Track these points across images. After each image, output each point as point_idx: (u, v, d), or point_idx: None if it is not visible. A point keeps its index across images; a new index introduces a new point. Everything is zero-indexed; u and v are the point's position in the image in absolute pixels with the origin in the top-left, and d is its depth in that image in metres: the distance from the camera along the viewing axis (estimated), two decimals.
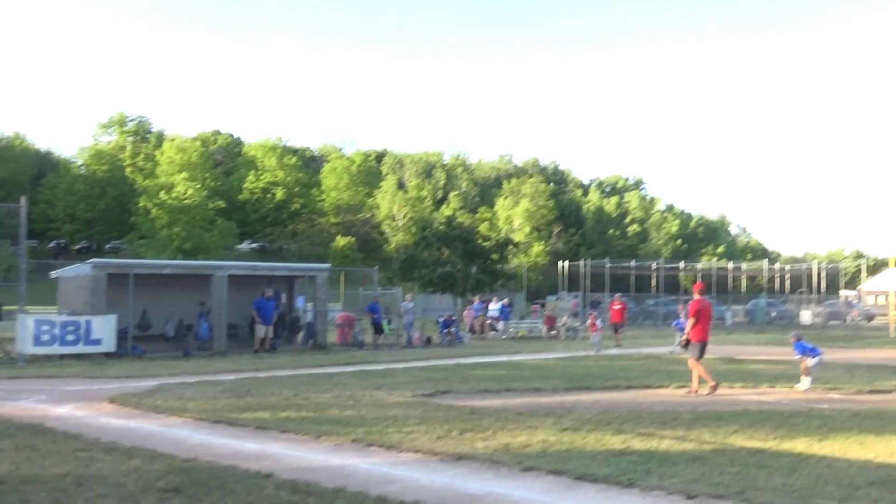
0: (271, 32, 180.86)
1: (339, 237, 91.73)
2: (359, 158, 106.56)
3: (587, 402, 14.54)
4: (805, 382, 16.79)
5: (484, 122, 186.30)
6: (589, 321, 31.07)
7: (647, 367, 20.20)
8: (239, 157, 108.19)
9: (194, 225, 78.26)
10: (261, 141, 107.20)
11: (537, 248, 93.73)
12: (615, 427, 11.65)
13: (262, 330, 26.54)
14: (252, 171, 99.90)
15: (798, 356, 17.37)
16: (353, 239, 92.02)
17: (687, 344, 16.86)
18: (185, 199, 79.08)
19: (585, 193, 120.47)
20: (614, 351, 28.65)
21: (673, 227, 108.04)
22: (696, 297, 17.23)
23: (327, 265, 36.79)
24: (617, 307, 32.83)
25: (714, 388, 16.09)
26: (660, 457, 9.63)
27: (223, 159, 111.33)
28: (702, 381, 16.30)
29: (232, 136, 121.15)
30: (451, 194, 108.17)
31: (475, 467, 9.18)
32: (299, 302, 32.70)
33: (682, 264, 65.11)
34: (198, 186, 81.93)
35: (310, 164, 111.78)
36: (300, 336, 30.41)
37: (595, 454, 9.73)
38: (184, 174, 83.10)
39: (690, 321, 16.85)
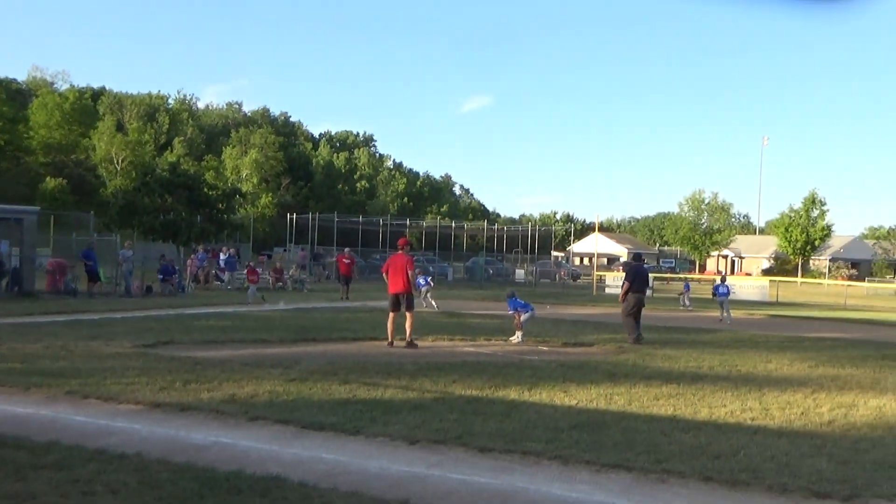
0: None
1: (48, 178, 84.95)
2: (73, 96, 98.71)
3: (314, 354, 14.65)
4: (518, 336, 17.95)
5: (212, 68, 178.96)
6: (247, 271, 32.12)
7: (373, 320, 20.63)
8: None
9: None
10: None
11: (265, 199, 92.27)
12: (341, 377, 11.84)
13: None
14: None
15: (511, 311, 18.51)
16: (65, 181, 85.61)
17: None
18: None
19: (315, 147, 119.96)
20: (343, 304, 29.04)
21: (400, 184, 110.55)
22: (400, 251, 17.34)
23: (35, 208, 34.11)
24: (346, 261, 33.28)
25: (390, 343, 16.34)
26: (384, 405, 9.93)
27: None
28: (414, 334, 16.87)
29: None
30: (176, 140, 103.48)
31: (200, 418, 8.99)
32: (2, 247, 30.04)
33: (408, 221, 66.93)
34: None
35: (16, 97, 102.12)
36: (4, 283, 28.00)
37: (322, 403, 9.86)
38: None
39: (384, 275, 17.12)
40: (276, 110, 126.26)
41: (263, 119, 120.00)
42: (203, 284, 36.18)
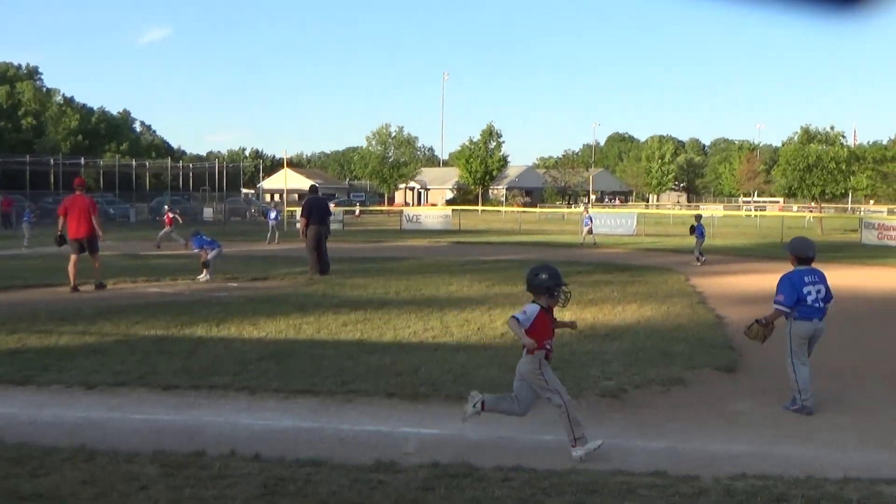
0: None
1: None
2: None
3: None
4: (205, 274, 17.51)
5: None
6: None
7: (46, 266, 19.18)
8: None
9: None
10: None
11: None
12: (9, 327, 10.93)
13: None
14: None
15: (197, 249, 18.00)
16: None
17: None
18: None
19: None
20: (10, 251, 26.65)
21: (73, 121, 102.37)
22: (77, 192, 16.31)
23: None
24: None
25: (74, 289, 15.45)
26: (58, 352, 9.34)
27: None
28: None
29: None
30: None
31: None
32: None
33: (83, 160, 62.37)
34: None
35: None
36: None
37: None
38: None
39: (60, 219, 15.98)
40: None
41: None
42: None
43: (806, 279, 7.52)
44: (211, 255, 17.71)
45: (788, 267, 7.78)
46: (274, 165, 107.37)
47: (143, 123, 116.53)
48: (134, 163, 65.85)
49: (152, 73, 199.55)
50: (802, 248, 7.75)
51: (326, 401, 7.44)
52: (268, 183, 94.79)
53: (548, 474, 5.38)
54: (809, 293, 7.46)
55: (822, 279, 7.62)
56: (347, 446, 6.20)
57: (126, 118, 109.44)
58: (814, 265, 7.67)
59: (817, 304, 7.49)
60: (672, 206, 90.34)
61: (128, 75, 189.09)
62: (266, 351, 9.53)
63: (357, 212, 65.15)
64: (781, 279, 7.64)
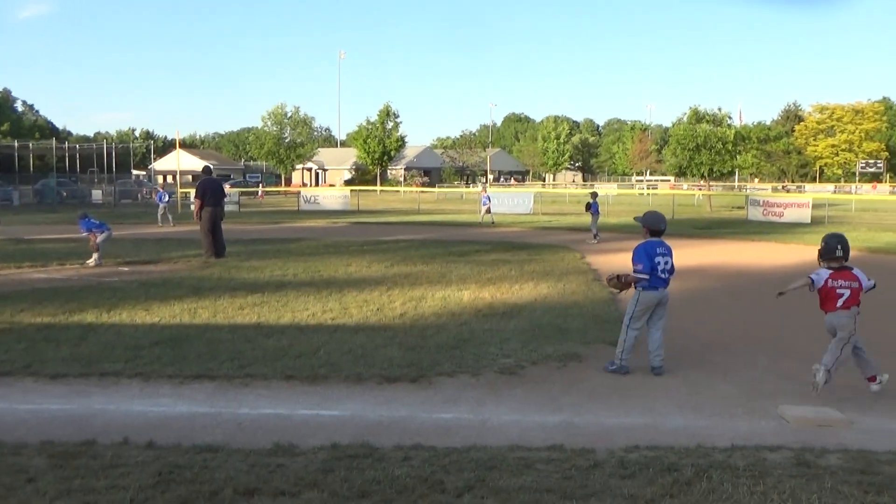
0: None
1: None
2: None
3: None
4: (95, 258, 16.95)
5: None
6: None
7: None
8: None
9: None
10: None
11: None
12: None
13: None
14: None
15: (85, 233, 17.39)
16: None
17: None
18: None
19: None
20: None
21: None
22: None
23: None
24: None
25: None
26: None
27: None
28: None
29: None
30: None
31: None
32: None
33: None
34: None
35: None
36: None
37: None
38: None
39: None
40: None
41: None
42: None
43: (658, 250, 8.05)
44: (100, 238, 17.14)
45: (663, 241, 8.15)
46: (166, 146, 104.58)
47: (24, 103, 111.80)
48: (16, 144, 62.99)
49: (34, 50, 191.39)
50: (655, 222, 8.25)
51: (223, 385, 7.32)
52: (160, 164, 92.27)
53: (447, 452, 5.42)
54: (659, 263, 8.01)
55: (670, 252, 8.18)
56: (245, 431, 6.11)
57: (6, 97, 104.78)
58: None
59: (664, 276, 8.05)
60: (568, 186, 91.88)
61: (6, 52, 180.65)
62: (160, 336, 9.29)
63: (260, 192, 63.92)
64: (637, 249, 8.14)
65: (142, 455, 5.35)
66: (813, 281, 7.11)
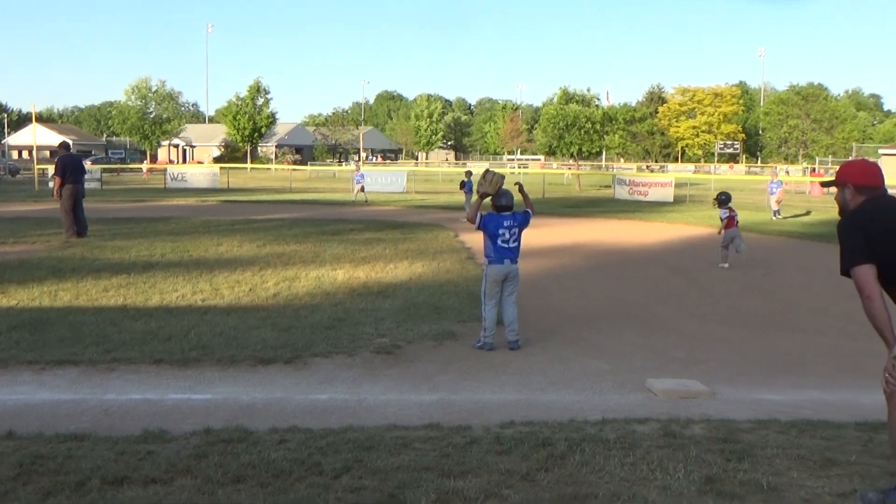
0: None
1: None
2: None
3: None
4: None
5: None
6: None
7: None
8: None
9: None
10: None
11: None
12: None
13: None
14: None
15: None
16: None
17: None
18: None
19: None
20: None
21: None
22: None
23: None
24: None
25: None
26: None
27: None
28: None
29: None
30: None
31: None
32: None
33: None
34: None
35: None
36: None
37: None
38: None
39: None
40: None
41: None
42: None
43: (505, 223, 8.25)
44: None
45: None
46: (21, 120, 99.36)
47: None
48: None
49: None
50: (496, 198, 8.39)
51: (88, 370, 7.03)
52: (14, 139, 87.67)
53: (324, 433, 5.37)
54: (503, 234, 8.21)
55: (519, 224, 8.35)
56: (112, 417, 5.89)
57: None
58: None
59: (505, 246, 8.25)
60: (440, 164, 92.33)
61: None
62: (18, 320, 8.85)
63: (145, 170, 60.72)
64: (484, 216, 8.34)
65: (1, 446, 5.08)
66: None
